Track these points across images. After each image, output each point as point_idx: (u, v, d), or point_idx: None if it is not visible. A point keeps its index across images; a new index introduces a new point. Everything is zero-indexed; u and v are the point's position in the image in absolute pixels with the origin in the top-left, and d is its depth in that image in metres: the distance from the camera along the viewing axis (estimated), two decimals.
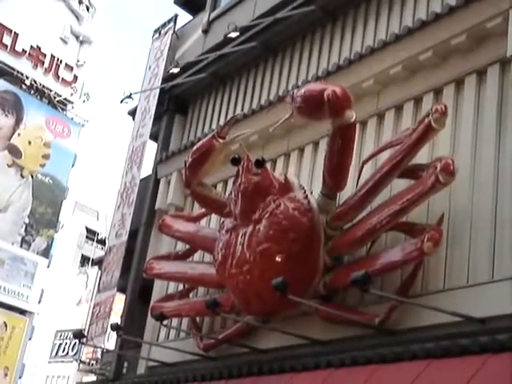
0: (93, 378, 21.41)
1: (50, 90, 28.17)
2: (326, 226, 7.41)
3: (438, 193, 6.65)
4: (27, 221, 26.95)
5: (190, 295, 9.73)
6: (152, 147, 12.16)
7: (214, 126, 10.96)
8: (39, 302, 26.85)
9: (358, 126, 7.87)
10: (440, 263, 6.65)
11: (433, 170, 6.40)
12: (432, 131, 6.64)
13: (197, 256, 9.89)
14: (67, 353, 38.21)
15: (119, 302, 11.73)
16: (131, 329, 10.37)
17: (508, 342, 5.35)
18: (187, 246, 9.89)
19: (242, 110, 10.55)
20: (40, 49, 28.00)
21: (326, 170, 7.38)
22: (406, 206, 6.65)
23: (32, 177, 27.20)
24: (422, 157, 7.00)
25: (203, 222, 10.06)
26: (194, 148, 8.92)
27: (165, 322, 8.92)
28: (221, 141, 8.65)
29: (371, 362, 6.35)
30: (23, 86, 27.58)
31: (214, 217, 9.86)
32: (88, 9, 30.16)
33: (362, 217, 7.19)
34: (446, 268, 6.61)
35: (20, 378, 26.66)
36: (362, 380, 6.16)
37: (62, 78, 28.52)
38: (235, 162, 8.14)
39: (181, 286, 9.93)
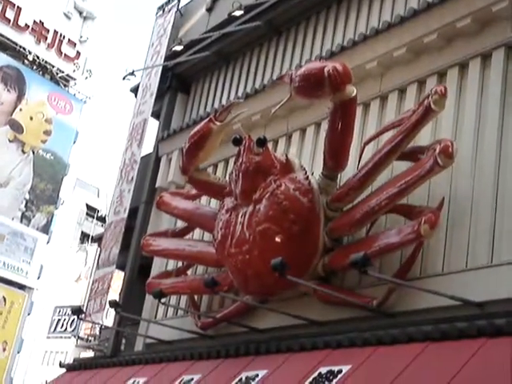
0: (91, 354, 21.52)
1: (53, 66, 28.07)
2: (327, 208, 7.40)
3: (439, 176, 6.65)
4: (28, 196, 26.95)
5: (188, 272, 9.74)
6: (154, 125, 12.16)
7: (216, 105, 10.93)
8: (38, 278, 26.91)
9: (360, 108, 7.87)
10: (439, 247, 6.65)
11: (432, 152, 6.38)
12: (431, 113, 6.61)
13: (196, 234, 9.90)
14: (66, 329, 38.44)
15: (118, 279, 11.76)
16: (129, 306, 10.39)
17: (505, 326, 5.36)
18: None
19: (245, 89, 10.52)
20: (43, 24, 27.84)
21: (326, 149, 7.35)
22: (404, 188, 6.63)
23: (33, 152, 27.17)
24: (424, 140, 6.99)
25: (204, 200, 10.05)
26: (191, 133, 8.83)
27: (163, 300, 8.93)
28: (218, 123, 8.60)
29: (368, 344, 6.36)
30: (26, 62, 27.47)
31: None
32: None
33: (362, 198, 7.18)
34: (446, 251, 6.61)
35: (18, 352, 26.78)
36: (358, 362, 6.18)
37: (65, 54, 28.40)
38: (237, 142, 8.12)
39: (180, 264, 9.94)
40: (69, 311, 35.16)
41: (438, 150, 6.29)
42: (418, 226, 6.27)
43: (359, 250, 6.23)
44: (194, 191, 9.85)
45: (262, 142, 7.85)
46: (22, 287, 26.40)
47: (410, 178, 6.58)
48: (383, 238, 6.81)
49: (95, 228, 41.72)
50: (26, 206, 26.83)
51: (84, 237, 43.38)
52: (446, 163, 6.32)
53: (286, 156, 7.92)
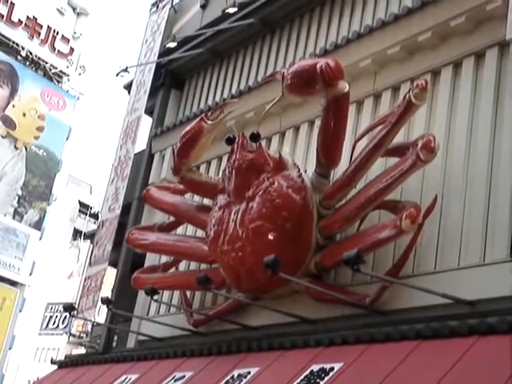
0: (82, 350, 21.48)
1: (46, 62, 27.98)
2: (319, 205, 7.41)
3: (432, 174, 6.68)
4: (20, 193, 26.88)
5: (180, 268, 9.71)
6: (147, 122, 12.12)
7: (209, 102, 10.91)
8: (30, 274, 26.84)
9: (354, 106, 7.88)
10: (432, 245, 6.67)
11: (414, 147, 6.42)
12: (413, 106, 6.63)
13: (183, 229, 9.87)
14: (57, 325, 38.34)
15: (110, 276, 11.73)
16: (122, 303, 10.37)
17: (497, 325, 5.37)
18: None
19: (239, 86, 10.51)
20: (36, 20, 27.76)
21: (319, 146, 7.35)
22: (389, 184, 6.68)
23: (26, 149, 27.09)
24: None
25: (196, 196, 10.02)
26: (183, 133, 8.75)
27: (155, 297, 8.91)
28: (210, 122, 8.55)
29: (361, 342, 6.37)
30: (19, 57, 27.39)
31: None
32: None
33: (352, 195, 7.20)
34: (438, 250, 6.63)
35: (10, 349, 26.71)
36: (350, 359, 6.18)
37: (58, 50, 28.32)
38: (229, 141, 8.11)
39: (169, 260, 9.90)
40: (61, 308, 35.07)
41: (419, 145, 6.36)
42: (399, 221, 6.31)
43: (347, 248, 6.27)
44: (180, 186, 9.76)
45: (255, 137, 7.85)
46: (13, 283, 26.33)
47: (394, 173, 6.64)
48: (369, 234, 6.84)
49: (88, 225, 41.62)
50: (18, 202, 26.76)
51: (76, 233, 43.23)
52: (427, 158, 6.37)
53: (280, 153, 7.92)
